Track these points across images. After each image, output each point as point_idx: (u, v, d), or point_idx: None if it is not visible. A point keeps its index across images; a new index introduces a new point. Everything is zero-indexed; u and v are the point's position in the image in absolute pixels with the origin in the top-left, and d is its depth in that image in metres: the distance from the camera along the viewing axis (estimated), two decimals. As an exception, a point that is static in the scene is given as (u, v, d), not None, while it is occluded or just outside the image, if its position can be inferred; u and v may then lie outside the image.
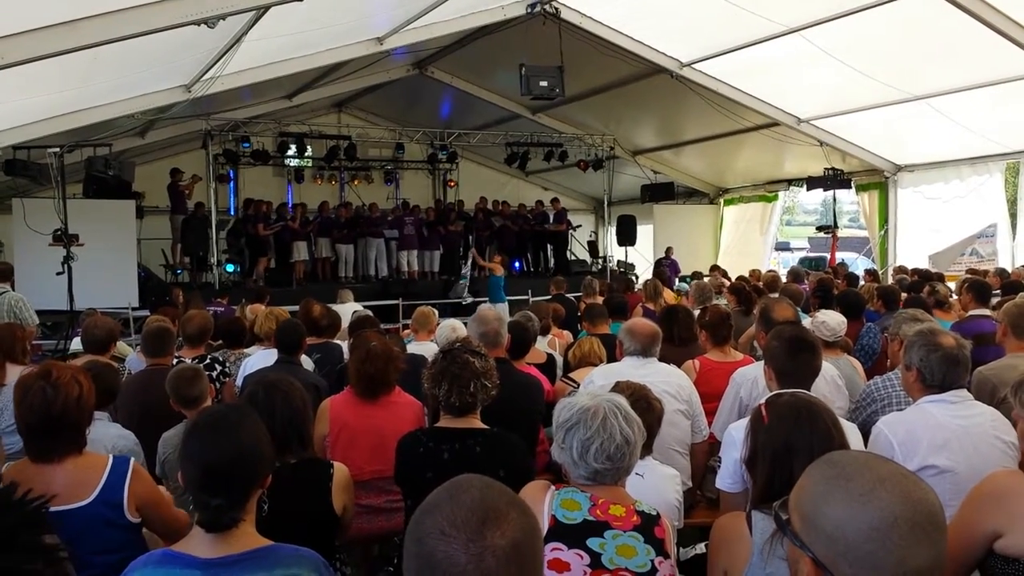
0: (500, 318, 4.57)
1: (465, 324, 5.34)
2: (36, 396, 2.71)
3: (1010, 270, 10.64)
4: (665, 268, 16.39)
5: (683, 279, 15.94)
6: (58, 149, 9.55)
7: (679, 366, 4.61)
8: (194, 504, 2.06)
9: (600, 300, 7.93)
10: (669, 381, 4.13)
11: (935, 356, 3.03)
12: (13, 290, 7.76)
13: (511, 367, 4.37)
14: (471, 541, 1.23)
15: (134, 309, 12.30)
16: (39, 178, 10.41)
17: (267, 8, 7.24)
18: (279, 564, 2.05)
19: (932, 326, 3.46)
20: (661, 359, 4.47)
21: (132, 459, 2.94)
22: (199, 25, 6.80)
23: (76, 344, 7.04)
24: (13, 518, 1.31)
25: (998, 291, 8.66)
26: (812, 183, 15.41)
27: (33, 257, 10.65)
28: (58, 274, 9.01)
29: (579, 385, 4.53)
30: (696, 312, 5.99)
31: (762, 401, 2.56)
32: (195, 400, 3.90)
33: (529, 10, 11.37)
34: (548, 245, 18.97)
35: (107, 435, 3.46)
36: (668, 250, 17.65)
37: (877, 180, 15.22)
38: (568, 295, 10.43)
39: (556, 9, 11.55)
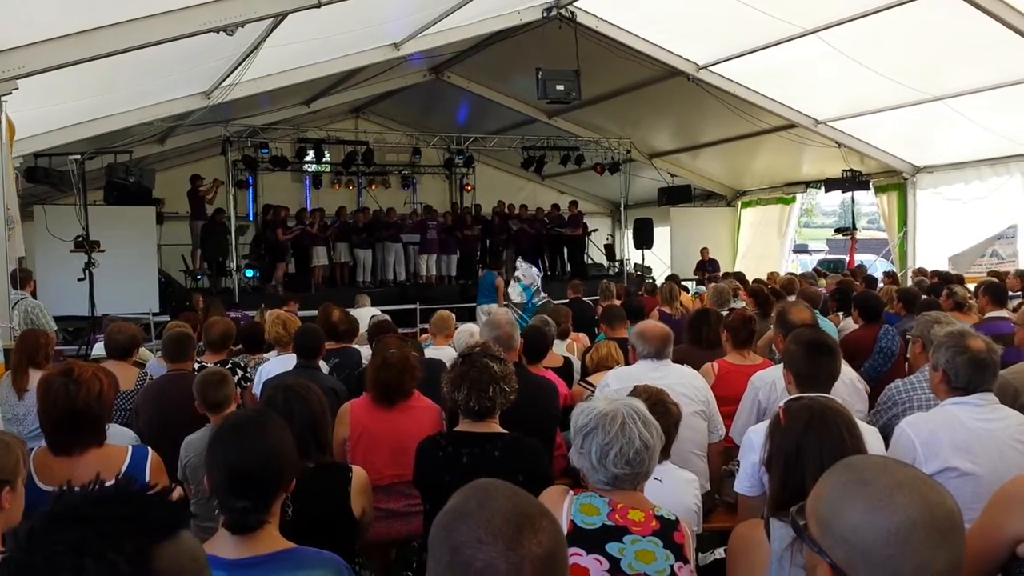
0: (512, 322, 4.58)
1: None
2: (59, 392, 2.84)
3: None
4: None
5: (699, 282, 15.95)
6: (79, 156, 9.63)
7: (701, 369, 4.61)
8: (220, 506, 2.09)
9: (617, 303, 7.92)
10: (684, 383, 4.13)
11: (961, 359, 3.01)
12: (34, 296, 7.82)
13: (525, 371, 4.38)
14: (510, 549, 1.24)
15: (155, 314, 12.40)
16: (60, 185, 10.51)
17: (285, 15, 7.29)
18: (303, 566, 2.08)
19: (963, 328, 3.44)
20: (688, 361, 4.46)
21: (150, 449, 3.05)
22: (218, 33, 6.85)
23: (98, 349, 7.10)
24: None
25: (1018, 292, 8.59)
26: (830, 185, 15.34)
27: (55, 263, 10.75)
28: (79, 280, 9.08)
29: (596, 388, 4.54)
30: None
31: (781, 404, 2.57)
32: (221, 404, 3.94)
33: (545, 14, 11.40)
34: (565, 248, 18.95)
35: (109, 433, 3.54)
36: (704, 251, 17.65)
37: (896, 182, 15.11)
38: (585, 298, 10.43)
39: (572, 13, 11.56)
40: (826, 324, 6.48)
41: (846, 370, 3.91)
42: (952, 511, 1.30)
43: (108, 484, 1.21)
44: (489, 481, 1.39)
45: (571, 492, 2.42)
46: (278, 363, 5.56)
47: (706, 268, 17.16)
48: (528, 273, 12.31)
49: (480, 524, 1.26)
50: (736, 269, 15.82)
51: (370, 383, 4.06)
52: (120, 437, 3.51)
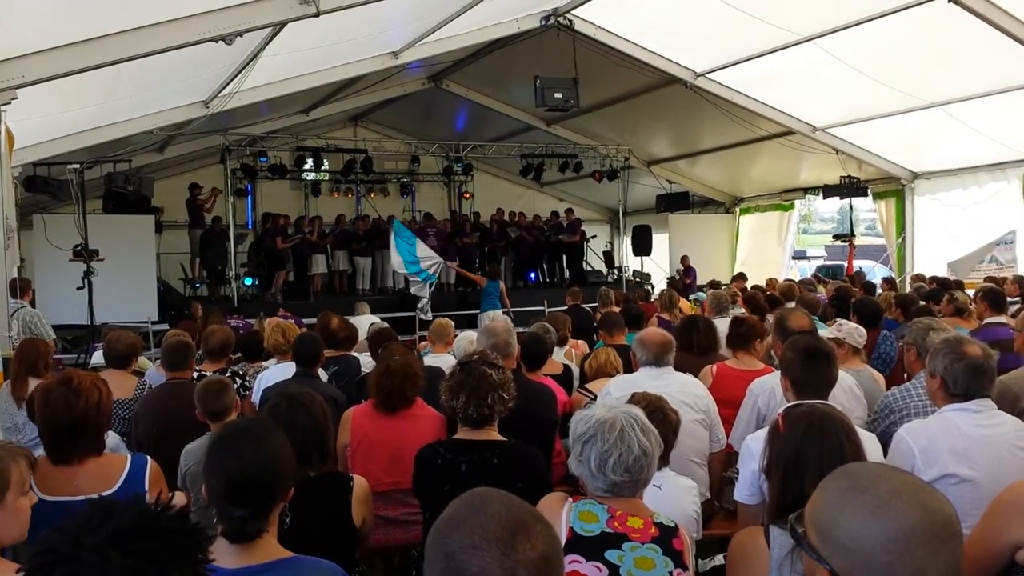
0: (509, 329, 4.57)
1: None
2: (58, 401, 2.85)
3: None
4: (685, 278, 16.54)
5: (700, 288, 15.92)
6: (78, 165, 9.63)
7: (697, 375, 4.60)
8: (218, 516, 2.09)
9: (616, 310, 7.92)
10: (686, 391, 4.12)
11: (959, 365, 3.01)
12: (33, 305, 7.82)
13: (523, 378, 4.38)
14: (504, 555, 1.24)
15: (154, 323, 12.38)
16: (59, 194, 10.51)
17: (283, 24, 7.31)
18: (301, 575, 2.08)
19: (959, 335, 3.44)
20: (681, 368, 4.45)
21: (149, 458, 3.06)
22: (217, 42, 6.87)
23: (97, 358, 7.09)
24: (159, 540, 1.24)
25: (1016, 298, 8.59)
26: (828, 191, 15.34)
27: (54, 272, 10.73)
28: (78, 289, 9.07)
29: (596, 396, 4.53)
30: (716, 322, 5.99)
31: (780, 411, 2.57)
32: (221, 413, 3.94)
33: (543, 23, 11.44)
34: (563, 256, 18.96)
35: None
36: (684, 258, 17.57)
37: (894, 188, 15.14)
38: (584, 305, 10.43)
39: (570, 21, 11.60)
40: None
41: (844, 376, 3.91)
42: (950, 518, 1.30)
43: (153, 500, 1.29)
44: (484, 489, 1.39)
45: (570, 499, 2.42)
46: (277, 371, 5.55)
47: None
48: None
49: (474, 530, 1.27)
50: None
51: (372, 390, 4.07)
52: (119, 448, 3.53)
